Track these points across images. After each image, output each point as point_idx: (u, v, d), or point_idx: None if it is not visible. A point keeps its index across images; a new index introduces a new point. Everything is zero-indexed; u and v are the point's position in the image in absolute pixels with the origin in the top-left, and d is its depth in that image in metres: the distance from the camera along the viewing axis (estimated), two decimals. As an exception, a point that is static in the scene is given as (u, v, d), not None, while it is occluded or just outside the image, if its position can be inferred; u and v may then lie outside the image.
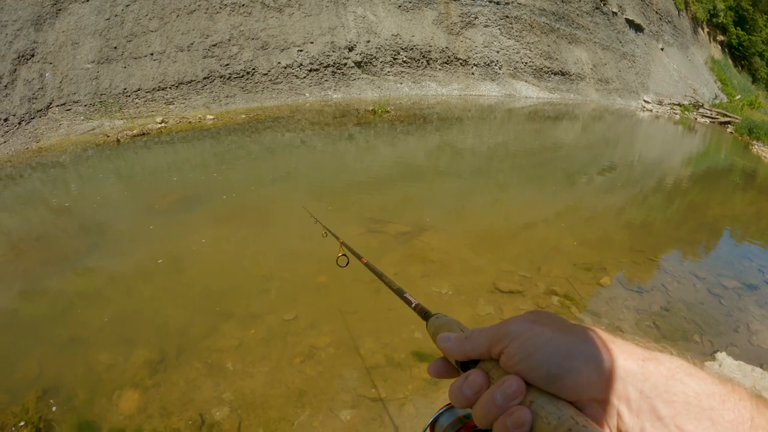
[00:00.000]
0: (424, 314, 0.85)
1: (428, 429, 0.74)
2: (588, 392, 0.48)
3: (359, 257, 1.68)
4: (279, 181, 9.79)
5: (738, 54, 46.67)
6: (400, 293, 1.06)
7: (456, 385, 0.57)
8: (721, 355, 4.70)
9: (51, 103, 11.74)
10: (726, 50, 45.63)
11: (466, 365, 0.62)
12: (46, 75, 11.95)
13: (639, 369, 0.48)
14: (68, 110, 11.97)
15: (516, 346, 0.53)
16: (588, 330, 0.54)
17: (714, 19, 42.08)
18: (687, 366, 0.49)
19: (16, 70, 11.39)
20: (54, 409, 3.67)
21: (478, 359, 0.60)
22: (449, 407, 0.73)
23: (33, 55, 11.89)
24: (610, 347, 0.50)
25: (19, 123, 10.84)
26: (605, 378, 0.48)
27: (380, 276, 1.27)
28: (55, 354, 4.32)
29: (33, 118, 11.19)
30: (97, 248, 6.37)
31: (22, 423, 3.50)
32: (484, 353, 0.58)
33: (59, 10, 12.81)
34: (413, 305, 0.95)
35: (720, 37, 44.56)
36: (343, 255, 2.06)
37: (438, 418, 0.73)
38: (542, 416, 0.48)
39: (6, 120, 10.63)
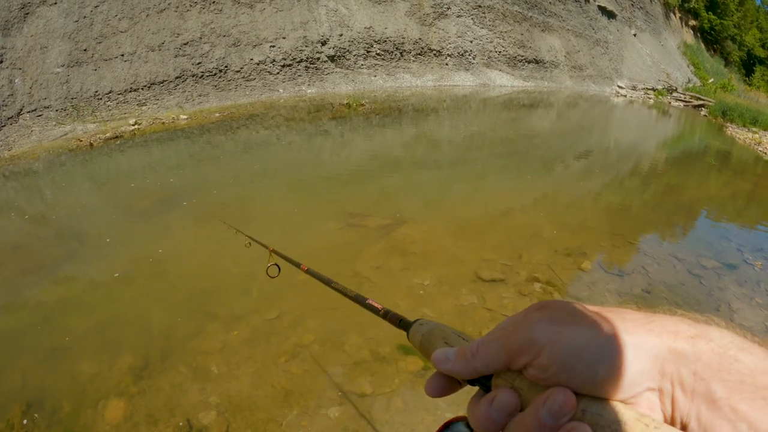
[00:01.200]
0: (400, 322, 0.74)
1: None
2: (641, 384, 0.44)
3: (298, 265, 1.49)
4: (256, 178, 9.71)
5: (710, 38, 47.39)
6: (359, 300, 0.91)
7: (482, 412, 0.49)
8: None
9: (21, 110, 11.50)
10: (698, 35, 46.30)
11: (478, 381, 0.53)
12: (16, 81, 11.70)
13: (690, 348, 0.44)
14: (39, 116, 11.73)
15: (548, 356, 0.46)
16: (623, 314, 0.48)
17: (686, 4, 42.67)
18: (739, 340, 0.45)
19: (-17, 76, 11.16)
20: (39, 422, 3.62)
21: (491, 374, 0.51)
22: (450, 423, 0.66)
23: (1, 62, 11.63)
24: (655, 329, 0.46)
25: (-11, 131, 10.62)
26: (657, 364, 0.44)
27: (328, 283, 1.10)
28: (38, 365, 4.25)
29: (3, 125, 10.96)
30: (76, 255, 6.27)
31: (7, 438, 3.45)
32: (500, 368, 0.50)
33: (27, 14, 12.53)
34: (381, 312, 0.82)
35: (692, 22, 45.18)
36: (274, 264, 1.89)
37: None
38: (602, 425, 0.42)
39: (-25, 128, 10.40)
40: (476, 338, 0.55)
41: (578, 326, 0.47)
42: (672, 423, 0.43)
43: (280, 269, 1.88)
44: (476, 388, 0.54)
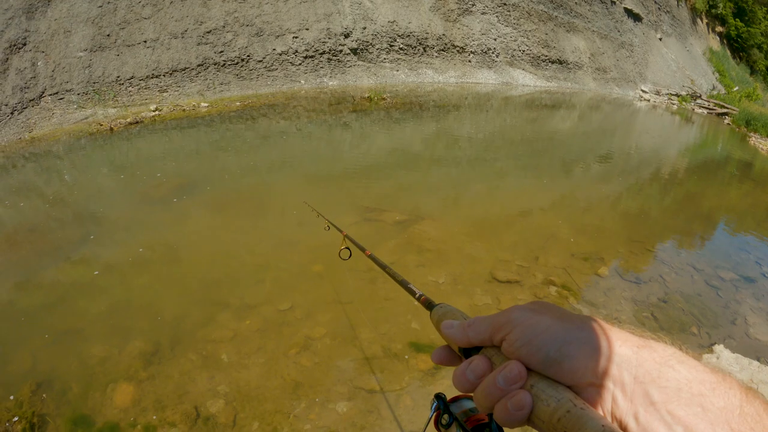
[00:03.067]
0: (428, 304, 0.86)
1: (432, 419, 0.75)
2: (585, 377, 0.51)
3: (363, 249, 1.67)
4: (274, 169, 9.71)
5: (736, 45, 46.50)
6: (404, 284, 1.07)
7: (459, 370, 0.60)
8: (719, 348, 4.70)
9: (43, 93, 11.58)
10: (724, 41, 45.47)
11: (468, 352, 0.64)
12: (39, 64, 11.79)
13: (634, 355, 0.50)
14: (61, 99, 11.82)
15: (517, 332, 0.56)
16: (586, 318, 0.56)
17: (713, 10, 41.89)
18: (679, 354, 0.51)
19: (8, 59, 11.22)
20: (48, 403, 3.63)
21: (480, 346, 0.62)
22: (455, 399, 0.75)
23: (25, 44, 11.71)
24: (607, 334, 0.53)
25: (12, 113, 10.70)
26: (601, 363, 0.50)
27: (384, 267, 1.30)
28: (49, 347, 4.28)
29: (25, 107, 11.05)
30: (92, 238, 6.30)
31: (16, 418, 3.46)
32: (486, 340, 0.61)
33: (51, -3, 12.63)
34: (417, 295, 0.96)
35: (719, 28, 44.39)
36: (345, 248, 2.04)
37: (442, 407, 0.75)
38: (542, 399, 0.51)
39: (-2, 109, 10.50)
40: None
41: (546, 316, 0.56)
42: (610, 419, 0.49)
43: (351, 253, 2.00)
44: None
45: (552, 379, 0.53)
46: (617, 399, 0.49)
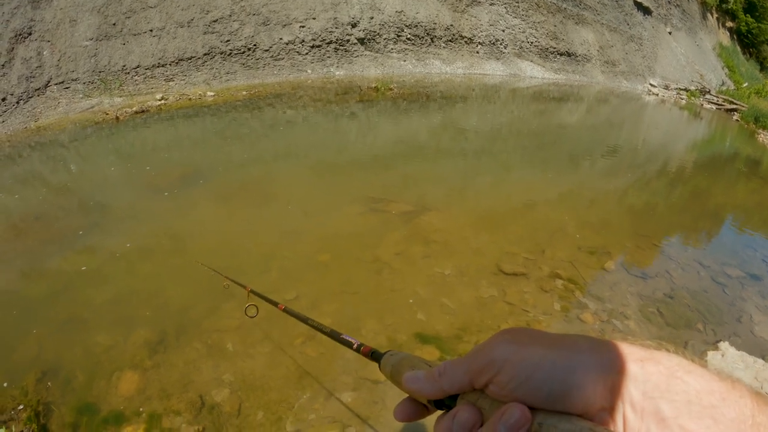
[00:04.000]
0: (372, 355, 0.79)
1: None
2: (595, 402, 0.47)
3: (274, 304, 1.54)
4: (280, 158, 9.70)
5: (747, 41, 46.12)
6: (335, 336, 0.97)
7: (444, 426, 0.53)
8: (724, 345, 4.68)
9: (49, 82, 11.58)
10: (735, 37, 45.10)
11: (441, 402, 0.57)
12: (44, 53, 11.78)
13: (639, 370, 0.47)
14: (67, 88, 11.82)
15: (507, 372, 0.50)
16: (577, 339, 0.52)
17: (723, 5, 41.56)
18: (686, 363, 0.48)
19: (13, 48, 11.21)
20: (53, 391, 3.63)
21: (456, 395, 0.55)
22: None
23: (30, 33, 11.70)
24: (607, 352, 0.49)
25: (18, 102, 10.70)
26: (609, 385, 0.47)
27: (305, 321, 1.20)
28: (54, 335, 4.28)
29: (31, 96, 11.05)
30: (97, 227, 6.30)
31: (21, 406, 3.46)
32: (465, 387, 0.54)
33: (57, -15, 12.60)
34: (355, 346, 0.87)
35: (729, 24, 44.04)
36: (252, 305, 1.93)
37: None
38: None
39: (4, 99, 10.48)
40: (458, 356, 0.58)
41: (535, 346, 0.50)
42: None
43: (258, 310, 1.88)
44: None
45: (560, 412, 0.47)
46: (628, 418, 0.46)
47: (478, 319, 4.80)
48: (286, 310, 1.35)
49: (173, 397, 3.60)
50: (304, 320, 1.19)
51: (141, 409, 3.50)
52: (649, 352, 0.49)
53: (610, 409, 0.47)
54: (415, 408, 0.61)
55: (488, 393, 0.51)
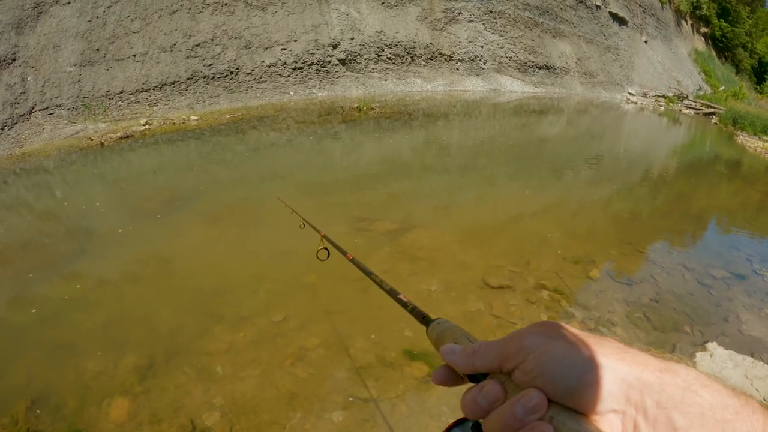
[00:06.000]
0: (423, 318, 0.81)
1: None
2: (606, 404, 0.48)
3: (344, 253, 1.61)
4: (265, 180, 9.73)
5: (721, 46, 47.00)
6: (392, 294, 1.00)
7: (470, 396, 0.56)
8: (712, 345, 4.74)
9: (33, 108, 11.58)
10: (709, 42, 45.95)
11: (475, 377, 0.60)
12: (28, 79, 11.80)
13: (656, 380, 0.48)
14: (51, 114, 11.82)
15: (532, 360, 0.52)
16: (603, 341, 0.53)
17: (697, 12, 42.34)
18: (703, 377, 0.49)
19: (-4, 74, 11.24)
20: (43, 419, 3.62)
21: (487, 372, 0.58)
22: (460, 422, 0.71)
23: (14, 59, 11.73)
24: (627, 358, 0.50)
25: (2, 128, 10.69)
26: (623, 389, 0.48)
27: (369, 274, 1.22)
28: (44, 362, 4.27)
29: (15, 123, 11.04)
30: (85, 253, 6.30)
31: (11, 434, 3.46)
32: (494, 368, 0.57)
33: (40, 13, 12.63)
34: (409, 307, 0.90)
35: (703, 29, 44.86)
36: (323, 248, 2.00)
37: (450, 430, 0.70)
38: None
39: (-12, 126, 10.48)
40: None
41: (562, 341, 0.53)
42: None
43: (329, 253, 1.95)
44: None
45: (571, 409, 0.49)
46: (639, 426, 0.47)
47: (465, 332, 4.82)
48: (353, 261, 1.39)
49: (164, 422, 3.60)
50: (368, 273, 1.20)
51: (132, 436, 3.50)
52: (668, 364, 0.50)
53: (621, 414, 0.48)
54: (451, 376, 0.64)
55: (513, 377, 0.54)
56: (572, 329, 0.55)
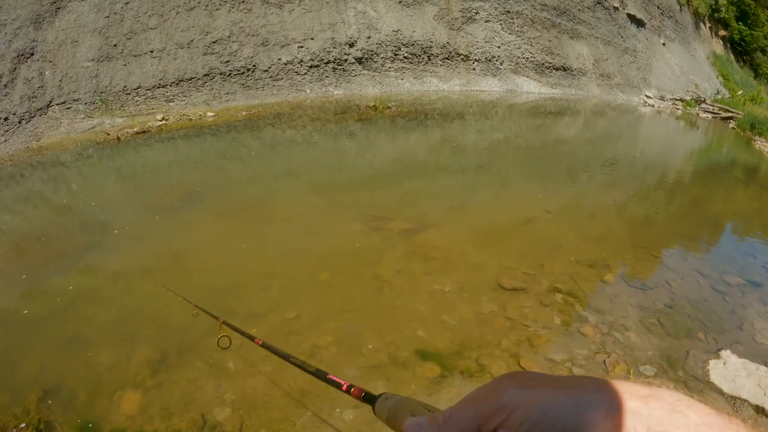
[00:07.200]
0: (364, 397, 0.74)
1: None
2: None
3: (251, 338, 1.43)
4: (280, 177, 9.76)
5: (740, 49, 46.38)
6: (320, 376, 0.88)
7: None
8: (726, 353, 4.68)
9: (51, 102, 11.69)
10: (728, 45, 45.36)
11: None
12: (46, 73, 11.91)
13: (644, 407, 0.49)
14: (68, 108, 11.92)
15: (520, 415, 0.51)
16: (583, 379, 0.53)
17: (716, 14, 41.83)
18: (686, 398, 0.50)
19: (15, 68, 11.34)
20: (55, 409, 3.65)
21: None
22: None
23: (33, 54, 11.84)
24: (612, 391, 0.51)
25: (20, 122, 10.80)
26: (617, 422, 0.48)
27: (286, 358, 1.06)
28: (56, 354, 4.31)
29: (33, 116, 11.15)
30: (99, 246, 6.34)
31: (23, 425, 3.48)
32: None
33: (58, 8, 12.74)
34: (344, 388, 0.80)
35: (722, 32, 44.31)
36: (224, 336, 1.90)
37: None
38: None
39: (6, 119, 10.58)
40: (448, 406, 0.57)
41: (545, 389, 0.52)
42: None
43: (231, 341, 1.85)
44: None
45: None
46: None
47: (478, 335, 4.81)
48: (264, 345, 1.19)
49: (175, 416, 3.61)
50: (285, 357, 1.06)
51: (142, 428, 3.51)
52: (651, 390, 0.51)
53: None
54: None
55: None
56: (545, 375, 0.55)
